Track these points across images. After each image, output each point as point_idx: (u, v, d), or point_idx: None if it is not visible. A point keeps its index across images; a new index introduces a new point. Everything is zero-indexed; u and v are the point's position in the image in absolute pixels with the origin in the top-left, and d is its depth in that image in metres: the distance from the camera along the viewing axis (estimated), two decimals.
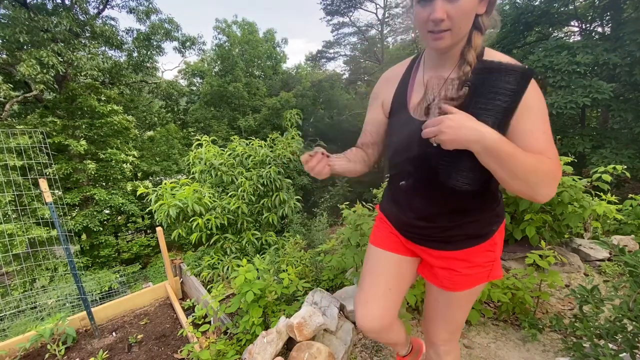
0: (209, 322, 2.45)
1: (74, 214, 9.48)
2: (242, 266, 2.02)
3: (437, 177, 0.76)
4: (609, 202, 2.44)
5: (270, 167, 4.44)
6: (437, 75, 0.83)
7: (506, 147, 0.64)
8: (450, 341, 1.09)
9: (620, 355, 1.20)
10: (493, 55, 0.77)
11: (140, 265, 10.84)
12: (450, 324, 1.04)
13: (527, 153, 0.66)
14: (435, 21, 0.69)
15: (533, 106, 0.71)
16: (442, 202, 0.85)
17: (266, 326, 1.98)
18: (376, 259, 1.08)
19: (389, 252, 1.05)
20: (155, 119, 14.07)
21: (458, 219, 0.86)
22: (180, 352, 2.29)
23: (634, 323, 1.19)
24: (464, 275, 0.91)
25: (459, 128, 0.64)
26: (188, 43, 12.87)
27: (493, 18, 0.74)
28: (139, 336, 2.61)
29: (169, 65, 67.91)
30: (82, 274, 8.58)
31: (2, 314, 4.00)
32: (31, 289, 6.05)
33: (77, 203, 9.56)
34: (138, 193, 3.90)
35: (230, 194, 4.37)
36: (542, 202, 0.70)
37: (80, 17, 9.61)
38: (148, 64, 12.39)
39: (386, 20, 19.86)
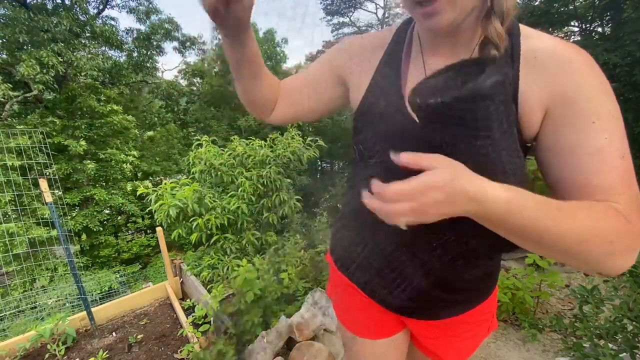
0: (209, 322, 2.45)
1: (74, 214, 9.48)
2: (242, 266, 2.02)
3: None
4: None
5: (270, 167, 4.44)
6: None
7: (529, 214, 0.36)
8: None
9: (620, 355, 1.20)
10: (529, 35, 0.46)
11: (140, 265, 10.85)
12: None
13: (569, 209, 0.37)
14: None
15: (592, 101, 0.42)
16: (460, 249, 0.54)
17: (266, 326, 1.98)
18: (372, 356, 0.75)
19: (384, 338, 0.73)
20: (155, 119, 14.07)
21: (474, 267, 0.59)
22: (180, 352, 2.28)
23: (634, 323, 1.19)
24: (465, 340, 0.68)
25: (453, 196, 0.35)
26: (188, 43, 12.93)
27: None
28: (139, 336, 2.60)
29: (169, 65, 67.99)
30: (82, 274, 8.58)
31: (2, 314, 4.00)
32: (31, 289, 6.05)
33: (77, 203, 9.56)
34: (138, 193, 3.89)
35: (230, 194, 4.37)
36: (610, 276, 0.46)
37: (80, 17, 9.61)
38: (148, 64, 12.40)
39: (386, 20, 19.87)
